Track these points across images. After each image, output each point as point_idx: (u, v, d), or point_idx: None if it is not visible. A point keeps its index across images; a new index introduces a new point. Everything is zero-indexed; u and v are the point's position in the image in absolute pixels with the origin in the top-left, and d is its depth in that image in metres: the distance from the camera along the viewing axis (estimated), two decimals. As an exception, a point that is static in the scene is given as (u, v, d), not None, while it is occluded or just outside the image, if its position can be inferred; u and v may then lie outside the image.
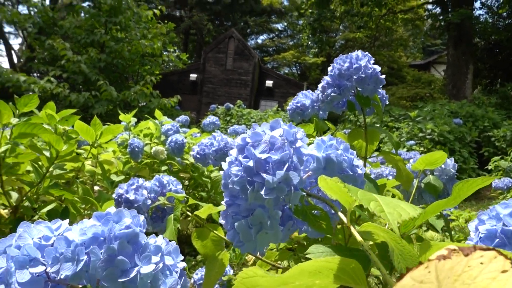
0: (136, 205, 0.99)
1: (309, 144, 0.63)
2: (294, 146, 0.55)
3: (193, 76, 15.56)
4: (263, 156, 0.51)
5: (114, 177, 2.16)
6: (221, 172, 0.57)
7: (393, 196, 1.07)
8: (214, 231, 0.98)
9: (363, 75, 0.83)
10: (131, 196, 0.99)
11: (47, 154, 1.32)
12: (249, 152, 0.52)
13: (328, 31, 18.87)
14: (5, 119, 1.04)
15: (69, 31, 8.76)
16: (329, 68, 0.90)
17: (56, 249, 0.40)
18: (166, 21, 10.14)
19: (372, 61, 0.87)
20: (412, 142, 6.03)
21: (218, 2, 24.09)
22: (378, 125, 0.91)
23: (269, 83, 15.61)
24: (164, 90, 9.58)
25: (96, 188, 2.28)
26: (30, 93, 7.24)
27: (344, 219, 0.50)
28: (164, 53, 9.92)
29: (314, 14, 14.18)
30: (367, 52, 0.86)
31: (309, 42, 16.93)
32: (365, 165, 0.98)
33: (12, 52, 18.74)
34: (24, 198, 1.27)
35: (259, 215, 0.52)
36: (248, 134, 0.54)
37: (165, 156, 2.32)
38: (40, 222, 0.44)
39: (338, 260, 0.38)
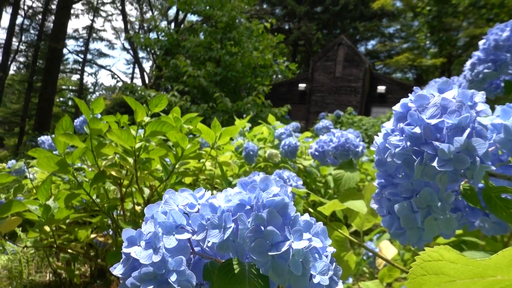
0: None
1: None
2: (473, 111, 0.43)
3: (301, 85, 15.66)
4: (433, 121, 0.41)
5: (231, 179, 2.23)
6: (373, 148, 0.49)
7: None
8: (338, 230, 0.90)
9: (531, 44, 0.67)
10: (253, 191, 0.97)
11: (174, 153, 1.41)
12: (414, 118, 0.42)
13: (448, 29, 17.15)
14: (139, 117, 1.13)
15: (190, 50, 9.66)
16: (481, 42, 0.75)
17: (202, 216, 0.37)
18: (275, 34, 10.45)
19: (542, 27, 0.69)
20: None
21: (326, 11, 23.97)
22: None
23: (381, 88, 14.81)
24: (274, 101, 9.83)
25: (214, 191, 2.39)
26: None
27: None
28: (275, 63, 10.21)
29: (433, 11, 13.02)
30: None
31: (427, 42, 15.60)
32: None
33: (144, 74, 21.54)
34: (155, 192, 1.37)
35: (426, 195, 0.42)
36: (410, 99, 0.45)
37: (279, 159, 2.31)
38: (185, 190, 0.42)
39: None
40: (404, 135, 0.42)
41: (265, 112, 7.93)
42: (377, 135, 0.47)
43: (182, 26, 18.79)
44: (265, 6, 25.41)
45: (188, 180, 1.86)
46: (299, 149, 2.41)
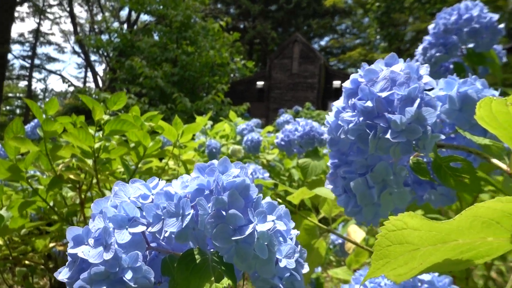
0: (224, 193, 0.95)
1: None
2: (420, 83, 0.44)
3: (259, 83, 15.76)
4: (384, 94, 0.41)
5: (195, 178, 2.21)
6: (325, 128, 0.49)
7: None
8: (308, 218, 0.91)
9: (477, 26, 0.71)
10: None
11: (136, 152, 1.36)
12: (365, 92, 0.43)
13: (396, 24, 17.94)
14: (97, 115, 1.09)
15: (146, 51, 9.41)
16: (430, 26, 0.79)
17: (157, 206, 0.34)
18: (231, 33, 10.43)
19: (485, 10, 0.73)
20: None
21: (280, 9, 24.25)
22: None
23: (336, 83, 15.23)
24: (233, 99, 9.80)
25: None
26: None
27: (503, 165, 0.38)
28: (232, 62, 10.19)
29: (382, 7, 13.58)
30: (477, 1, 0.73)
31: (377, 38, 16.25)
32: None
33: (98, 77, 20.74)
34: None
35: (381, 169, 0.43)
36: (360, 74, 0.45)
37: (242, 154, 2.31)
38: (136, 180, 0.40)
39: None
40: (356, 111, 0.42)
41: (225, 110, 7.90)
42: (328, 115, 0.47)
43: (135, 26, 18.27)
44: (219, 5, 25.28)
45: (154, 172, 1.81)
46: (262, 144, 2.42)
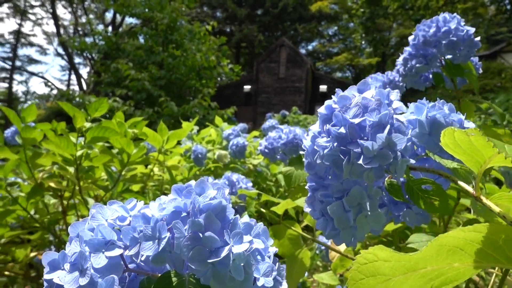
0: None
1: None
2: (390, 108, 0.45)
3: (246, 87, 15.78)
4: (357, 120, 0.42)
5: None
6: (302, 152, 0.50)
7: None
8: (292, 228, 0.91)
9: (455, 39, 0.72)
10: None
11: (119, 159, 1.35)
12: (339, 118, 0.43)
13: (381, 29, 18.22)
14: (78, 123, 1.07)
15: (131, 54, 9.32)
16: (410, 37, 0.80)
17: (134, 228, 0.34)
18: (218, 36, 10.43)
19: (462, 23, 0.75)
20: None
21: (267, 13, 24.37)
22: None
23: (323, 88, 15.36)
24: (220, 103, 9.78)
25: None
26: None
27: (469, 188, 0.39)
28: (219, 65, 10.19)
29: (366, 13, 13.78)
30: (455, 14, 0.75)
31: (363, 43, 16.47)
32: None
33: (82, 80, 20.45)
34: (100, 202, 1.30)
35: (356, 193, 0.44)
36: (334, 100, 0.46)
37: (229, 159, 2.31)
38: (114, 202, 0.39)
39: (486, 228, 0.29)
40: (330, 136, 0.43)
41: (212, 114, 7.88)
42: (305, 138, 0.48)
43: (120, 29, 18.11)
44: (205, 9, 25.27)
45: (136, 187, 1.79)
46: (248, 148, 2.42)
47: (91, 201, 1.45)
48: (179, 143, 3.11)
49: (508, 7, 11.35)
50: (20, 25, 23.26)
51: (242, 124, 4.09)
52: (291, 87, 15.37)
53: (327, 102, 0.47)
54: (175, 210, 0.35)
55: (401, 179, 0.49)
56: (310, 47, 28.58)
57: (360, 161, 0.40)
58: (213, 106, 8.18)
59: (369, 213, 0.44)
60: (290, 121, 9.76)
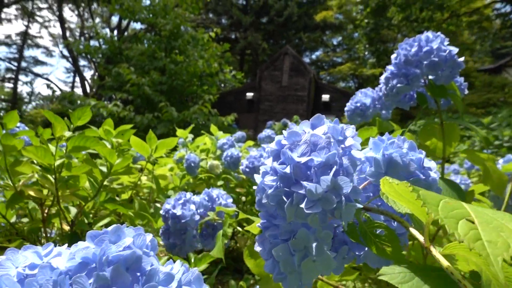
0: (183, 221, 0.92)
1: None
2: (343, 146, 0.43)
3: (249, 94, 15.78)
4: (303, 159, 0.39)
5: (171, 193, 2.17)
6: (255, 187, 0.47)
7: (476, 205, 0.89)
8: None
9: (436, 59, 0.70)
10: (178, 212, 0.93)
11: (104, 169, 1.32)
12: (286, 156, 0.41)
13: (385, 40, 18.25)
14: (58, 132, 1.05)
15: (134, 59, 9.36)
16: (393, 56, 0.78)
17: (37, 281, 0.30)
18: (221, 43, 10.46)
19: (446, 42, 0.73)
20: (488, 151, 5.49)
21: (271, 22, 24.48)
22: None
23: (325, 97, 15.35)
24: (222, 110, 9.79)
25: (158, 205, 2.31)
26: (99, 118, 7.75)
27: (420, 237, 0.36)
28: (221, 72, 10.21)
29: (371, 24, 13.81)
30: (439, 33, 0.73)
31: (366, 53, 16.49)
32: (443, 169, 0.83)
33: (85, 82, 20.56)
34: (80, 213, 1.28)
35: (302, 237, 0.41)
36: (284, 135, 0.43)
37: (221, 170, 2.28)
38: (29, 247, 0.36)
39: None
40: (277, 174, 0.40)
41: (212, 121, 7.88)
42: (258, 174, 0.46)
43: (126, 33, 18.22)
44: (211, 15, 25.42)
45: (125, 196, 1.76)
46: (242, 159, 2.40)
47: (73, 210, 1.43)
48: (176, 148, 3.09)
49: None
50: (27, 26, 23.48)
51: (240, 132, 4.06)
52: (294, 96, 15.38)
53: (277, 137, 0.44)
54: (82, 261, 0.31)
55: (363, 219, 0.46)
56: (314, 56, 28.67)
57: (303, 205, 0.37)
58: (213, 113, 8.18)
59: (315, 258, 0.40)
60: (291, 129, 9.73)
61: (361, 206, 0.41)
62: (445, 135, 0.79)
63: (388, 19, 13.29)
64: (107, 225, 1.37)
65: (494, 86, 12.01)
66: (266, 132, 3.26)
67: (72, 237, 1.16)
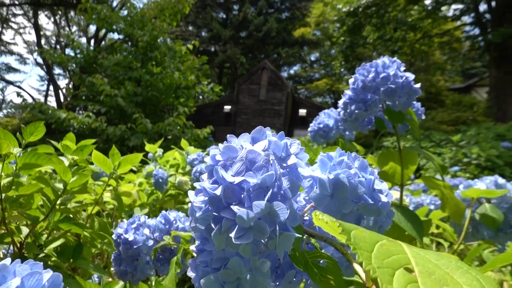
0: (135, 246, 0.87)
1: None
2: (285, 164, 0.38)
3: (227, 107, 15.79)
4: (237, 179, 0.35)
5: (138, 210, 2.09)
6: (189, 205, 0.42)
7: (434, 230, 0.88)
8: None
9: (393, 86, 0.69)
10: (130, 237, 0.88)
11: (60, 186, 1.25)
12: (218, 175, 0.36)
13: (360, 58, 18.73)
14: (4, 149, 0.98)
15: (109, 69, 9.19)
16: (351, 81, 0.77)
17: None
18: (199, 56, 10.44)
19: (402, 68, 0.72)
20: (456, 168, 5.64)
21: (250, 36, 24.73)
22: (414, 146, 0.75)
23: (302, 112, 15.53)
24: (199, 122, 9.72)
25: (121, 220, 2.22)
26: (71, 128, 7.54)
27: (362, 274, 0.32)
28: (198, 85, 10.16)
29: (347, 41, 14.15)
30: (395, 58, 0.72)
31: (342, 69, 16.86)
32: (402, 194, 0.82)
33: (60, 92, 20.05)
34: (30, 234, 1.20)
35: (234, 267, 0.35)
36: (220, 150, 0.39)
37: (189, 186, 2.23)
38: None
39: None
40: (208, 196, 0.35)
41: (187, 133, 7.78)
42: (193, 190, 0.41)
43: (103, 43, 17.95)
44: (190, 28, 25.45)
45: (74, 209, 1.68)
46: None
47: (24, 229, 1.35)
48: (147, 162, 3.01)
49: (482, 43, 11.87)
50: (1, 33, 22.80)
51: (214, 146, 4.03)
52: (271, 110, 15.48)
53: (212, 151, 0.39)
54: None
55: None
56: (291, 71, 29.07)
57: (232, 234, 0.33)
58: (188, 125, 8.09)
59: (248, 290, 0.35)
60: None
61: (299, 236, 0.37)
62: (403, 160, 0.78)
63: (364, 37, 13.67)
64: (63, 247, 1.29)
65: (464, 104, 12.47)
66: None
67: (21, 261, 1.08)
